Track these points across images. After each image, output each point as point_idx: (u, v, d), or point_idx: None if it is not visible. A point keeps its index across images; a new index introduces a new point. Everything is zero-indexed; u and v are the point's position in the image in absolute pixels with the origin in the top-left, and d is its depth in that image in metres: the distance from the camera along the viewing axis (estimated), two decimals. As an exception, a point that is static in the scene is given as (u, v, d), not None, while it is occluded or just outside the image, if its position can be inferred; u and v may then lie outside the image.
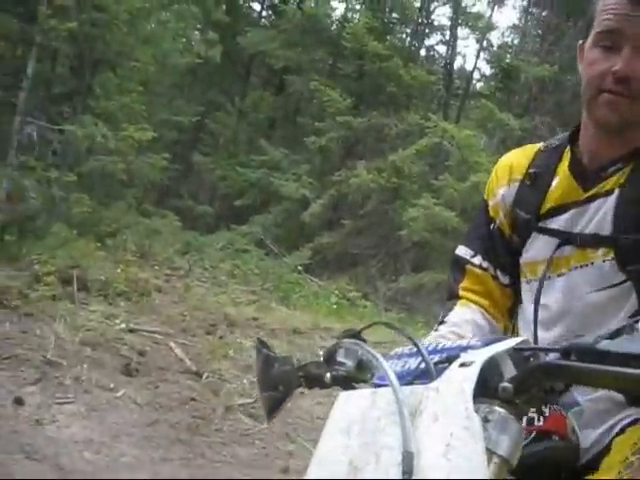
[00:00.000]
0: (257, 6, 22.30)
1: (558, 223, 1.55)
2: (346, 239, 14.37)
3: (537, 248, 1.58)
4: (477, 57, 19.97)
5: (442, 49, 20.61)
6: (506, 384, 0.80)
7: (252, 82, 21.73)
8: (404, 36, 19.75)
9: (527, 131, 15.84)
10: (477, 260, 1.69)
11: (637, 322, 0.78)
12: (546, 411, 1.31)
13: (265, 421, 4.77)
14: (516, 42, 21.61)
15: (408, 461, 0.76)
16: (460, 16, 19.37)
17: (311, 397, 5.17)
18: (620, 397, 1.45)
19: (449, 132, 14.01)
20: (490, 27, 19.78)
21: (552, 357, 0.81)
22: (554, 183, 1.59)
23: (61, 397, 4.54)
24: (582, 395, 1.50)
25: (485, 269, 1.67)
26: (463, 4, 19.58)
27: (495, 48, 20.49)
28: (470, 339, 0.94)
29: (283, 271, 11.84)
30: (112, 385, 4.88)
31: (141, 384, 5.08)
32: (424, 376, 0.89)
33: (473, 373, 0.80)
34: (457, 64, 20.85)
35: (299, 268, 12.33)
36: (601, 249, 1.45)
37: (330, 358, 1.14)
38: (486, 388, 0.81)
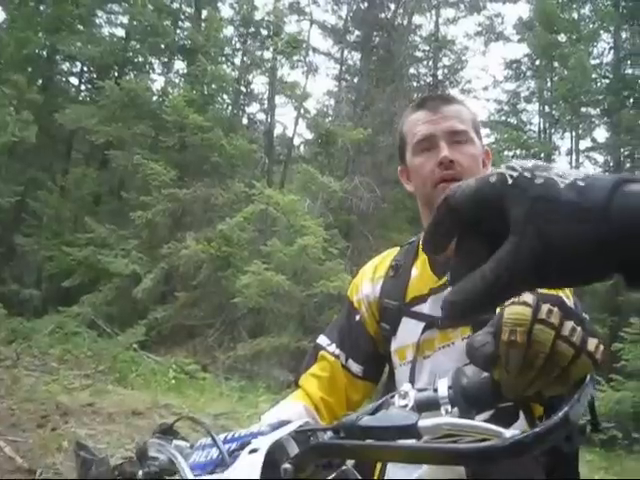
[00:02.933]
0: (75, 80, 21.94)
1: (422, 309, 1.71)
2: (181, 311, 14.21)
3: (406, 332, 1.72)
4: (296, 124, 20.66)
5: (263, 116, 21.18)
6: (287, 465, 0.91)
7: (74, 158, 21.20)
8: (225, 106, 20.12)
9: (348, 192, 16.54)
10: (331, 348, 1.81)
11: (392, 397, 0.91)
12: None
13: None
14: (332, 107, 22.66)
15: None
16: (277, 85, 20.03)
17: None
18: (461, 470, 1.61)
19: (274, 198, 14.36)
20: (306, 95, 20.57)
21: (328, 435, 0.94)
22: (413, 274, 1.77)
23: None
24: (411, 473, 1.65)
25: (337, 356, 1.79)
26: (279, 74, 20.30)
27: (312, 114, 21.33)
28: (262, 426, 1.05)
29: (118, 350, 11.49)
30: None
31: (-33, 490, 4.79)
32: (222, 464, 0.99)
33: (259, 459, 0.90)
34: (278, 130, 21.43)
35: (134, 346, 12.03)
36: (459, 329, 1.61)
37: (142, 455, 1.21)
38: (273, 470, 0.92)
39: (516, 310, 0.77)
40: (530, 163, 0.62)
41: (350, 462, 1.05)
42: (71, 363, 10.21)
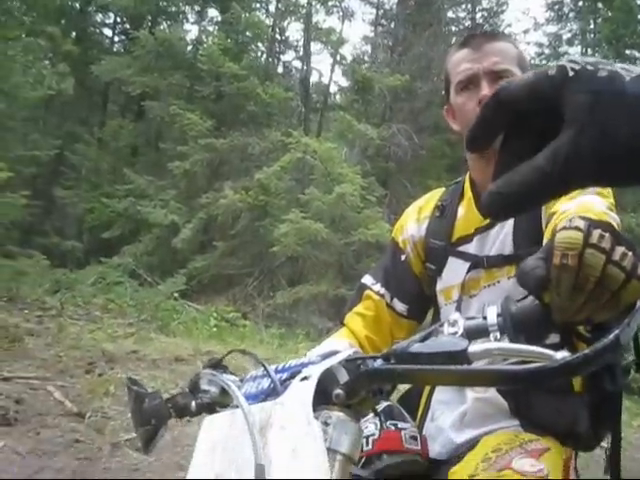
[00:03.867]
0: (109, 32, 21.94)
1: (468, 249, 1.73)
2: (220, 260, 14.36)
3: (451, 272, 1.75)
4: (332, 71, 20.47)
5: (298, 64, 21.02)
6: (339, 390, 0.93)
7: (110, 110, 21.34)
8: (260, 54, 19.99)
9: (386, 139, 16.41)
10: (376, 287, 1.84)
11: (442, 325, 0.92)
12: (376, 433, 1.47)
13: (152, 454, 4.77)
14: (368, 53, 22.35)
15: (259, 472, 0.88)
16: (312, 32, 19.80)
17: (197, 423, 5.18)
18: (504, 405, 1.64)
19: (311, 146, 14.29)
20: (342, 41, 20.33)
21: (378, 363, 0.95)
22: (459, 214, 1.78)
23: (-63, 458, 4.37)
24: (473, 392, 1.68)
25: (382, 295, 1.82)
26: (314, 20, 20.04)
27: (349, 61, 21.10)
28: (312, 356, 1.07)
29: (159, 300, 11.68)
30: (-10, 438, 4.73)
31: (21, 433, 4.94)
32: (274, 393, 1.01)
33: (311, 385, 0.93)
34: (314, 78, 21.25)
35: (175, 295, 12.21)
36: (505, 268, 1.63)
37: (195, 388, 1.24)
38: (325, 396, 0.94)
39: (568, 234, 0.77)
40: (592, 58, 0.59)
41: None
42: (114, 312, 10.41)
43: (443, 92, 1.87)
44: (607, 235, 0.77)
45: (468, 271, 1.70)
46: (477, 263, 1.68)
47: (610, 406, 1.67)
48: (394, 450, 1.48)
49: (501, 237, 1.67)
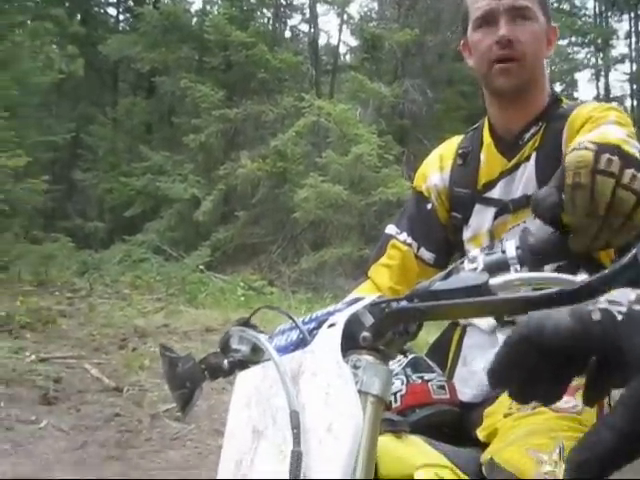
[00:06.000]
0: (113, 11, 21.85)
1: (493, 194, 1.71)
2: (242, 230, 14.42)
3: (479, 220, 1.73)
4: (340, 31, 20.27)
5: (305, 27, 20.82)
6: (365, 333, 0.94)
7: (121, 89, 21.34)
8: (266, 20, 19.80)
9: (399, 96, 16.25)
10: (402, 237, 1.82)
11: (462, 262, 0.94)
12: (403, 388, 1.49)
13: (191, 422, 4.87)
14: (376, 10, 22.05)
15: (294, 418, 0.90)
16: (317, -8, 19.57)
17: (232, 391, 5.26)
18: None
19: (324, 109, 14.20)
20: (348, 0, 20.07)
21: (402, 304, 0.97)
22: (482, 159, 1.75)
23: (-18, 439, 4.48)
24: (504, 334, 1.68)
25: (409, 245, 1.80)
26: (318, -20, 19.79)
27: (356, 20, 20.85)
28: (337, 305, 1.08)
29: (185, 273, 11.80)
30: (33, 417, 4.83)
31: (62, 410, 5.05)
32: (303, 343, 1.03)
33: (338, 330, 0.94)
34: (322, 40, 21.07)
35: (201, 267, 12.32)
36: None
37: (225, 347, 1.27)
38: (353, 341, 0.96)
39: (578, 154, 0.78)
40: (633, 294, 0.56)
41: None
42: (142, 288, 10.54)
43: (460, 27, 1.83)
44: (615, 158, 0.77)
45: (495, 217, 1.68)
46: (503, 208, 1.66)
47: None
48: (423, 403, 1.50)
49: (525, 178, 1.65)
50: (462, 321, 1.82)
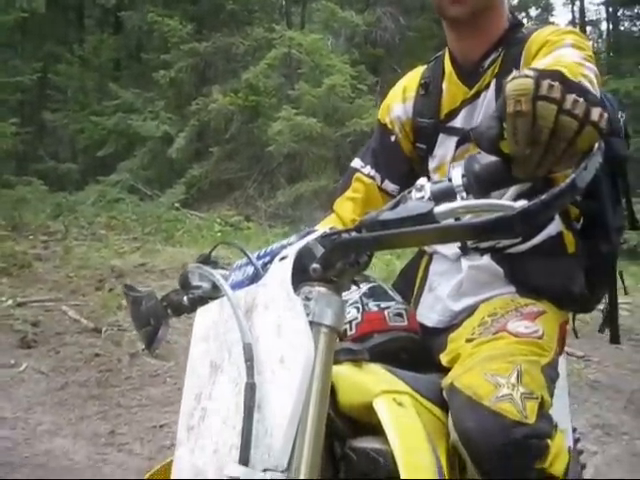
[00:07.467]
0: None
1: (455, 123, 1.70)
2: (217, 166, 14.28)
3: (443, 149, 1.73)
4: (309, -42, 19.70)
5: (274, -45, 20.21)
6: (315, 265, 0.95)
7: (87, 26, 20.82)
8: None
9: (372, 25, 15.96)
10: (366, 170, 1.83)
11: (410, 192, 0.94)
12: (359, 317, 1.50)
13: (170, 359, 4.92)
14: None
15: (248, 350, 0.91)
16: None
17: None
18: (499, 271, 1.66)
19: (296, 40, 13.93)
20: None
21: (352, 234, 0.97)
22: (444, 89, 1.74)
23: (-38, 384, 4.51)
24: (468, 261, 1.70)
25: (372, 177, 1.82)
26: None
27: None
28: (291, 238, 1.09)
29: (161, 211, 11.73)
30: (13, 361, 4.86)
31: (42, 353, 5.08)
32: (257, 278, 1.04)
33: (289, 263, 0.95)
34: (292, -31, 20.48)
35: (176, 205, 12.26)
36: None
37: (185, 284, 1.27)
38: (305, 273, 0.97)
39: (518, 82, 0.77)
40: None
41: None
42: (118, 229, 10.47)
43: None
44: (556, 84, 0.77)
45: (457, 146, 1.69)
46: (465, 136, 1.66)
47: (605, 266, 1.70)
48: (378, 330, 1.52)
49: (485, 106, 1.64)
50: (428, 249, 1.85)
